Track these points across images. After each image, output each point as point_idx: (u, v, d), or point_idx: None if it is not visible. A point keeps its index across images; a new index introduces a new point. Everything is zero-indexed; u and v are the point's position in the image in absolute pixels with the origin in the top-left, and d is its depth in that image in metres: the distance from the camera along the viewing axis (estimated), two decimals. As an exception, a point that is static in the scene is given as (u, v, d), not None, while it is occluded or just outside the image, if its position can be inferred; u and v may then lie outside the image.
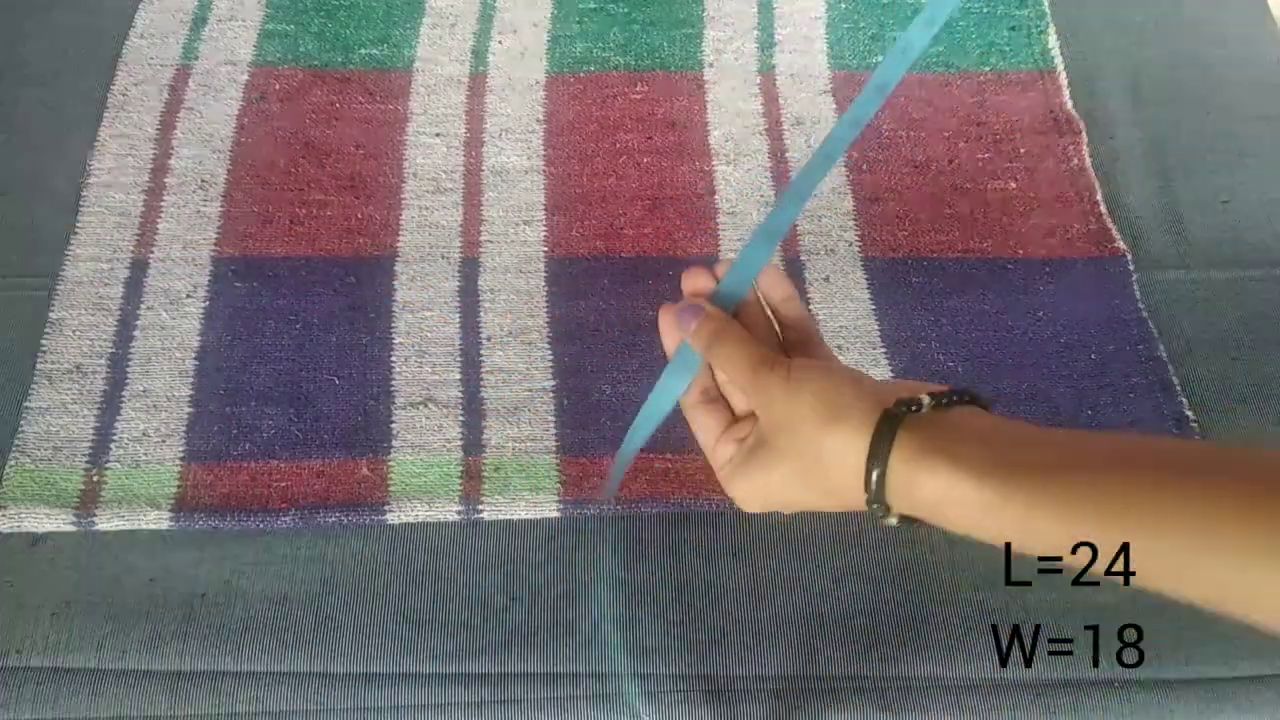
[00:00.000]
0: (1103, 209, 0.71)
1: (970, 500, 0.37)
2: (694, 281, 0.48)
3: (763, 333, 0.47)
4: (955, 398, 0.40)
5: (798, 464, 0.42)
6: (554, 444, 0.61)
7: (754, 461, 0.44)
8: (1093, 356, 0.65)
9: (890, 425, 0.39)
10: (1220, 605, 0.37)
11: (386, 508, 0.58)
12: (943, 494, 0.37)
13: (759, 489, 0.44)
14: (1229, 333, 0.66)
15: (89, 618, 0.55)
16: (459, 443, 0.60)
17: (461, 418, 0.61)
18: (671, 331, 0.47)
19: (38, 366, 0.62)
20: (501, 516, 0.58)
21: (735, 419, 0.47)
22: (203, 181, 0.70)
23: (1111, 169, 0.74)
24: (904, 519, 0.40)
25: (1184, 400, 0.63)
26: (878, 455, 0.39)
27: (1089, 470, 0.37)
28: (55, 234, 0.67)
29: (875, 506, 0.39)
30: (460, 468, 0.60)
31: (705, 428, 0.47)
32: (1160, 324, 0.66)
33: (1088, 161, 0.73)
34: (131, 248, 0.67)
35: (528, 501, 0.59)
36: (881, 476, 0.39)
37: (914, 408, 0.39)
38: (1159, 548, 0.36)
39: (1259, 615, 0.37)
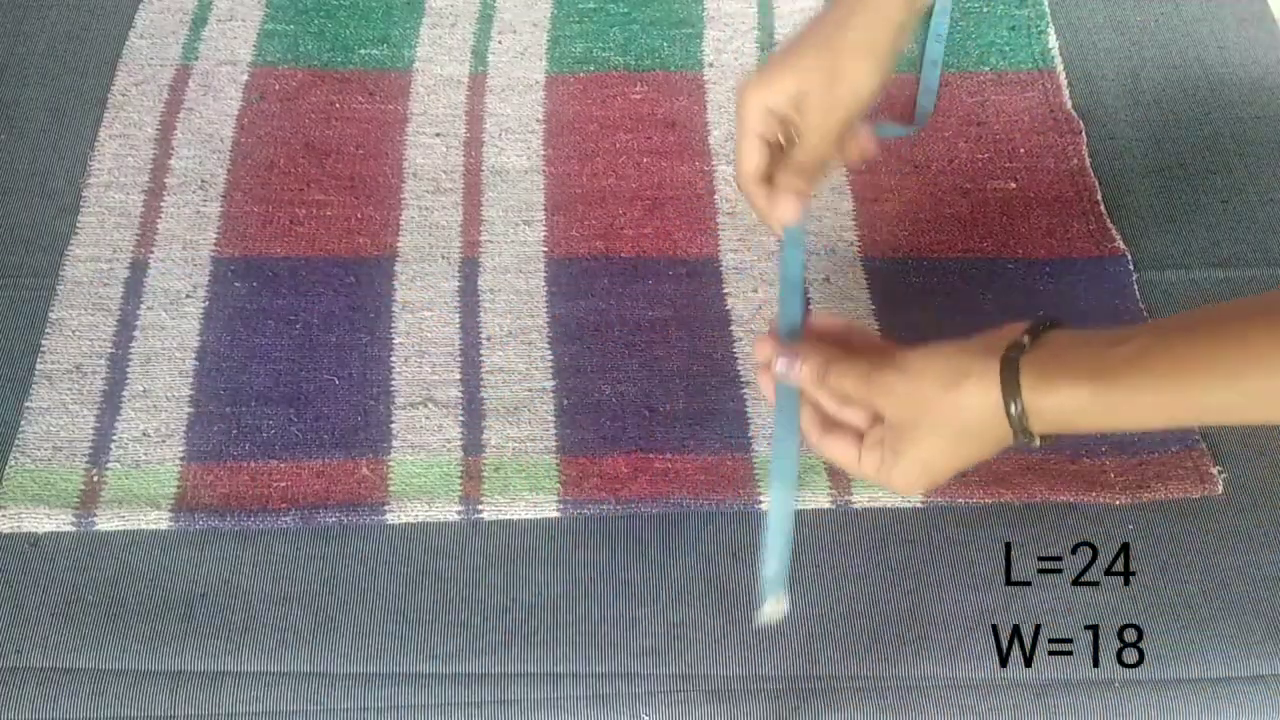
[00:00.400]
0: (1102, 209, 0.71)
1: (1093, 405, 0.44)
2: (763, 350, 0.53)
3: (845, 349, 0.52)
4: (1044, 325, 0.47)
5: (944, 433, 0.47)
6: (554, 444, 0.61)
7: (902, 450, 0.48)
8: (1093, 356, 0.65)
9: (1011, 368, 0.45)
10: None
11: (386, 508, 0.58)
12: (1070, 405, 0.44)
13: (918, 470, 0.49)
14: (1229, 333, 0.66)
15: (89, 618, 0.55)
16: (459, 443, 0.60)
17: (461, 418, 0.61)
18: (773, 386, 0.53)
19: (38, 366, 0.62)
20: (501, 516, 0.58)
21: (861, 434, 0.51)
22: (203, 181, 0.70)
23: (1111, 169, 0.74)
24: (1045, 438, 0.46)
25: (1184, 400, 0.63)
26: (1012, 395, 0.45)
27: (1173, 340, 0.44)
28: (55, 234, 0.67)
29: (1022, 437, 0.46)
30: (460, 468, 0.60)
31: (842, 453, 0.51)
32: (1160, 324, 0.66)
33: (1087, 161, 0.73)
34: (131, 248, 0.67)
35: (528, 501, 0.59)
36: (1021, 410, 0.45)
37: (1020, 348, 0.45)
38: (1254, 383, 0.42)
39: None
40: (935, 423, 0.47)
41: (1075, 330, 0.47)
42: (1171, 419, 0.46)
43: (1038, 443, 0.46)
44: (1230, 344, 0.42)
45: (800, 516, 0.59)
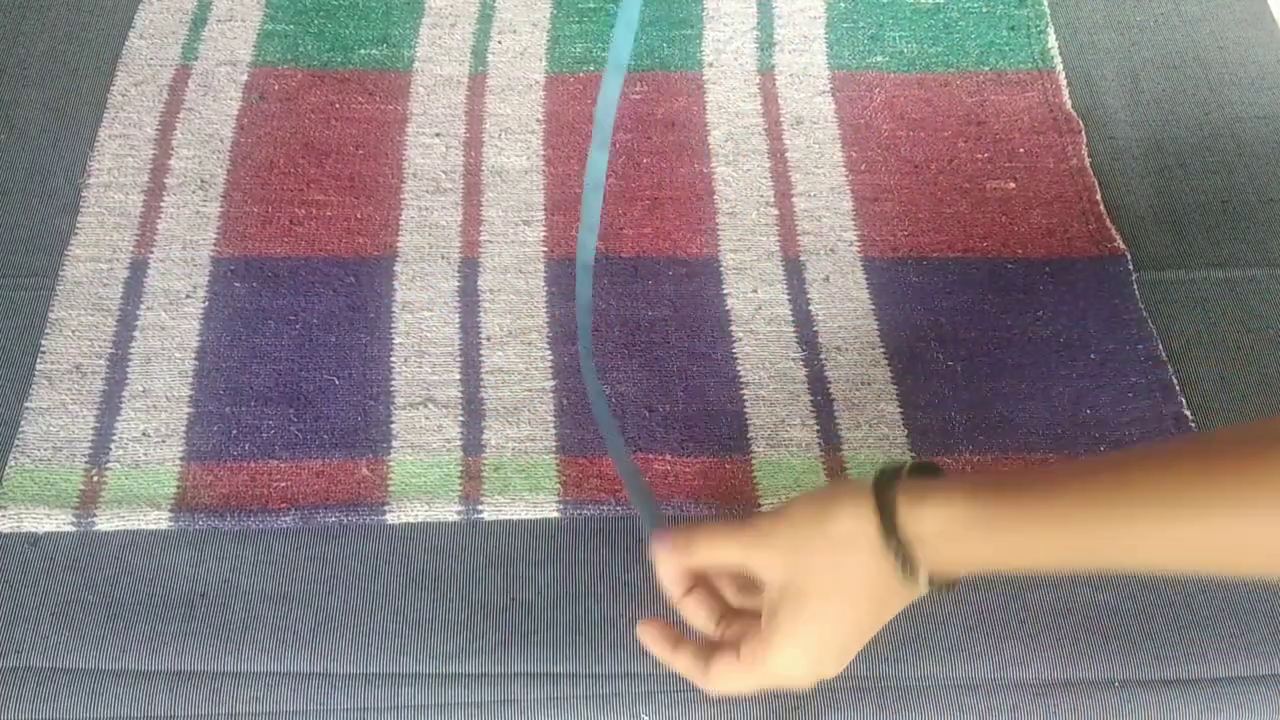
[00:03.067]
0: (1102, 209, 0.71)
1: (973, 520, 0.41)
2: (650, 630, 0.49)
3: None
4: (920, 466, 0.44)
5: (826, 581, 0.43)
6: (554, 444, 0.61)
7: (783, 616, 0.44)
8: (1092, 356, 0.65)
9: (884, 481, 0.43)
10: (1207, 565, 0.41)
11: (386, 508, 0.58)
12: (948, 518, 0.41)
13: (802, 640, 0.44)
14: (1229, 333, 0.66)
15: (89, 618, 0.55)
16: (459, 443, 0.60)
17: (461, 418, 0.61)
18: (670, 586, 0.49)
19: (38, 366, 0.62)
20: (501, 517, 0.58)
21: (726, 610, 0.48)
22: (202, 181, 0.70)
23: (1111, 169, 0.74)
24: (935, 580, 0.43)
25: (1183, 400, 0.63)
26: (884, 506, 0.42)
27: (1057, 471, 0.42)
28: (55, 234, 0.67)
29: (904, 570, 0.42)
30: (460, 468, 0.60)
31: (702, 613, 0.48)
32: (1160, 324, 0.66)
33: (1087, 161, 0.73)
34: (131, 248, 0.67)
35: (528, 501, 0.59)
36: (899, 531, 0.41)
37: (895, 474, 0.43)
38: (1145, 526, 0.39)
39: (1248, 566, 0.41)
40: (819, 570, 0.43)
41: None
42: (1067, 553, 0.41)
43: (923, 582, 0.42)
44: (1114, 475, 0.40)
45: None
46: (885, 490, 0.42)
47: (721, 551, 0.47)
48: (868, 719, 0.55)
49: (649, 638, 0.49)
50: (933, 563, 0.42)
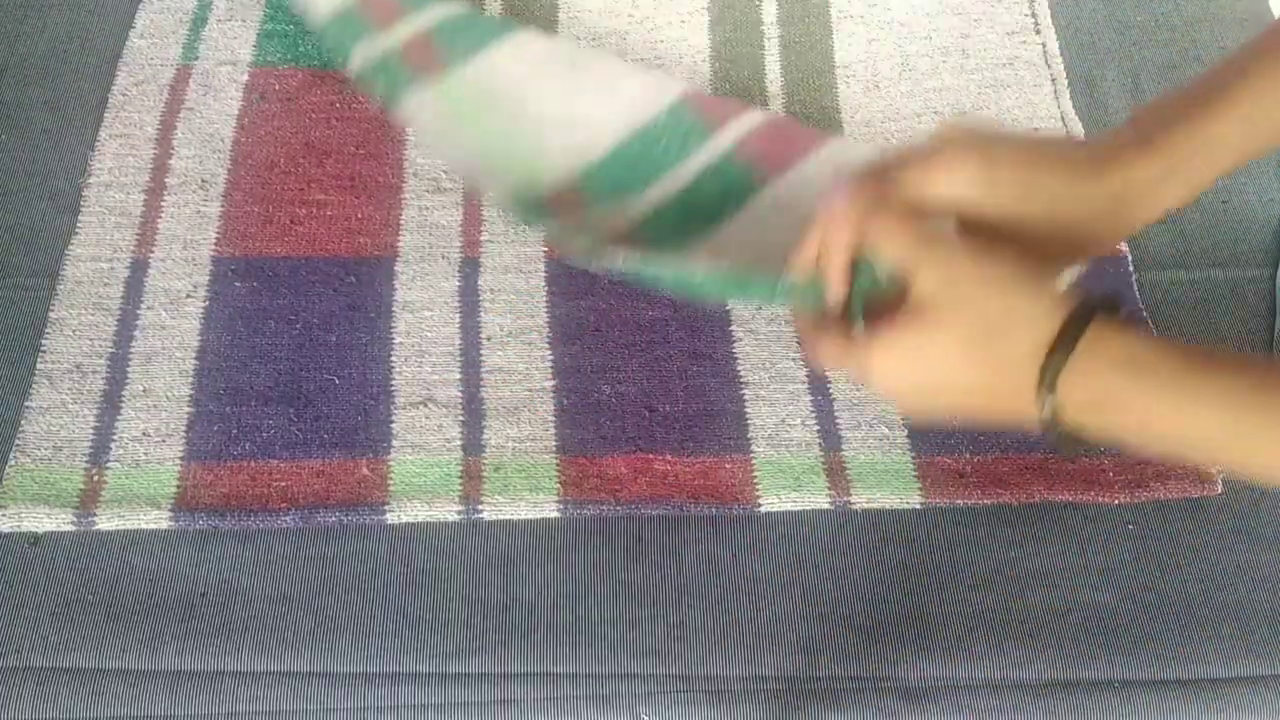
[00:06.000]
0: (1103, 209, 0.71)
1: (1162, 365, 0.39)
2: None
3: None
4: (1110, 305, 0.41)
5: (967, 330, 0.41)
6: (554, 444, 0.61)
7: (910, 331, 0.42)
8: (1093, 356, 0.65)
9: (1090, 306, 0.40)
10: None
11: (386, 508, 0.58)
12: (1137, 353, 0.40)
13: (909, 359, 0.42)
14: (1229, 333, 0.66)
15: (89, 618, 0.55)
16: (459, 443, 0.61)
17: (461, 418, 0.61)
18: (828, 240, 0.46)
19: (38, 366, 0.62)
20: (501, 516, 0.58)
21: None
22: (203, 181, 0.70)
23: (1111, 169, 0.73)
24: (1057, 424, 0.41)
25: (1184, 400, 0.63)
26: (1080, 317, 0.40)
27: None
28: (55, 234, 0.67)
29: (1045, 392, 0.40)
30: (460, 468, 0.60)
31: (839, 278, 0.46)
32: (1160, 324, 0.66)
33: (1088, 161, 0.73)
34: (131, 248, 0.67)
35: (528, 501, 0.59)
36: (1075, 339, 0.40)
37: (1086, 319, 0.40)
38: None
39: None
40: (971, 315, 0.41)
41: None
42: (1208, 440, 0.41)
43: (1048, 408, 0.41)
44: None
45: (800, 517, 0.59)
46: (1085, 309, 0.40)
47: (899, 238, 0.43)
48: (868, 719, 0.55)
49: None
50: (1076, 390, 0.40)
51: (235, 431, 0.60)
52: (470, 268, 0.67)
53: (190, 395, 0.62)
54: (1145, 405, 0.40)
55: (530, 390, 0.63)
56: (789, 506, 0.59)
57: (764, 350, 0.65)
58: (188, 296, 0.65)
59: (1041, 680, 0.55)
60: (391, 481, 0.59)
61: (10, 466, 0.58)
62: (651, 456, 0.60)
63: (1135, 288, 0.67)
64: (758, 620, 0.56)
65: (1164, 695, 0.55)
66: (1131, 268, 0.68)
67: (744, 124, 0.66)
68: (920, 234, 0.43)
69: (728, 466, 0.60)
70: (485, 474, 0.59)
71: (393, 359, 0.63)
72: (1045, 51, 0.79)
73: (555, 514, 0.59)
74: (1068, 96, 0.76)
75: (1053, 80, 0.77)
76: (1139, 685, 0.55)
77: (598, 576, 0.57)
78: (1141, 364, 0.40)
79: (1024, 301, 0.41)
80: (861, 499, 0.59)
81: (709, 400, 0.63)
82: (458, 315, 0.65)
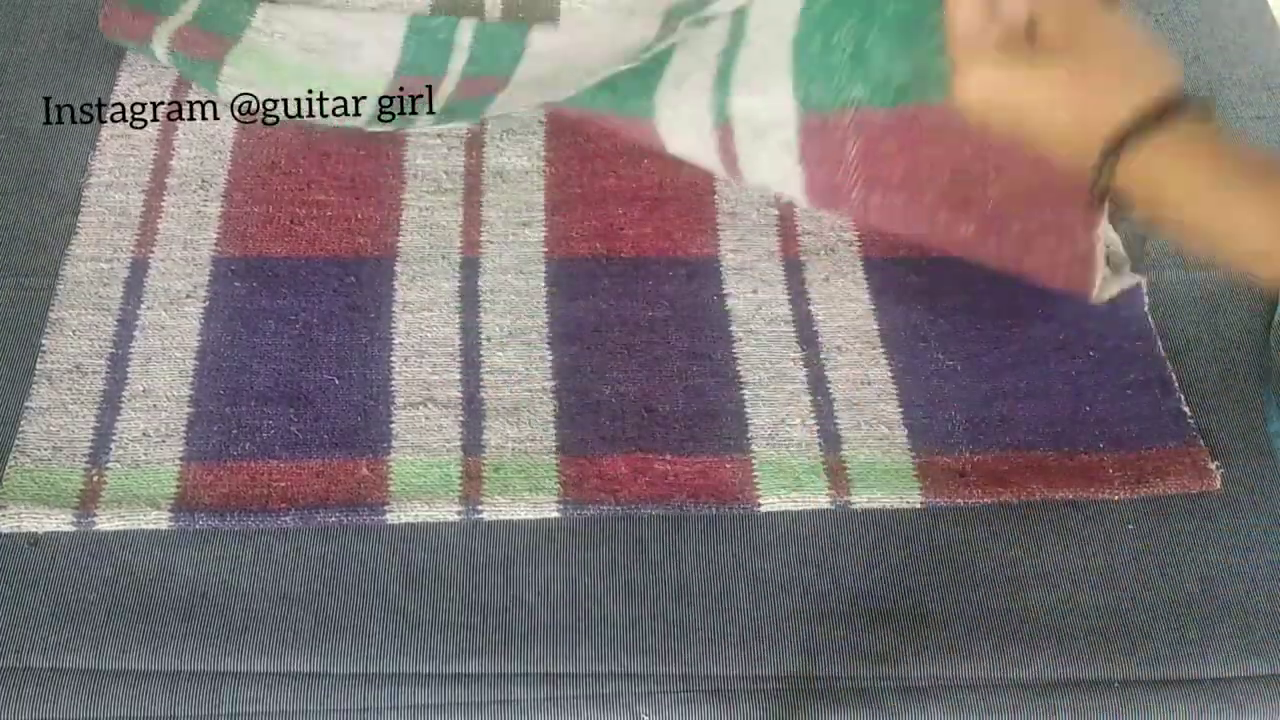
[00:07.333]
0: (1102, 209, 0.71)
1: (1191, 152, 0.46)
2: None
3: None
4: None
5: (1082, 64, 0.47)
6: (554, 444, 0.61)
7: (1032, 61, 0.48)
8: (1091, 354, 0.65)
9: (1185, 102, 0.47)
10: None
11: (386, 508, 0.58)
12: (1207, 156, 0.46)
13: (1023, 70, 0.48)
14: (1228, 332, 0.66)
15: (89, 618, 0.55)
16: (459, 443, 0.61)
17: (461, 418, 0.61)
18: None
19: (38, 366, 0.62)
20: (501, 517, 0.58)
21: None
22: (203, 181, 0.70)
23: (1111, 169, 0.73)
24: (1107, 191, 0.48)
25: (1181, 398, 0.63)
26: (1175, 106, 0.47)
27: None
28: (55, 234, 0.67)
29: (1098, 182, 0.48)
30: (460, 468, 0.60)
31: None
32: (1160, 323, 0.66)
33: (1088, 161, 0.73)
34: (131, 248, 0.67)
35: (528, 502, 0.59)
36: (1111, 170, 0.47)
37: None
38: None
39: None
40: (1090, 60, 0.47)
41: None
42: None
43: (1103, 178, 0.47)
44: None
45: (800, 516, 0.59)
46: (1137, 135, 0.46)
47: None
48: (867, 719, 0.55)
49: None
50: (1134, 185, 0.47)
51: (235, 432, 0.60)
52: (470, 268, 0.67)
53: (190, 395, 0.62)
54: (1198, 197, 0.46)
55: (530, 390, 0.63)
56: (789, 506, 0.59)
57: (764, 350, 0.65)
58: (188, 297, 0.65)
59: (1041, 680, 0.55)
60: (391, 482, 0.59)
61: (10, 467, 0.58)
62: (651, 456, 0.60)
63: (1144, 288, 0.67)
64: (758, 620, 0.56)
65: (1164, 695, 0.55)
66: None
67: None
68: None
69: (728, 466, 0.60)
70: (485, 474, 0.59)
71: (392, 359, 0.63)
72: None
73: (555, 514, 0.59)
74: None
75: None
76: (1139, 685, 0.55)
77: (598, 576, 0.57)
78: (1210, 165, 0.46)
79: (1133, 56, 0.48)
80: (861, 499, 0.59)
81: (708, 400, 0.63)
82: (458, 315, 0.65)
